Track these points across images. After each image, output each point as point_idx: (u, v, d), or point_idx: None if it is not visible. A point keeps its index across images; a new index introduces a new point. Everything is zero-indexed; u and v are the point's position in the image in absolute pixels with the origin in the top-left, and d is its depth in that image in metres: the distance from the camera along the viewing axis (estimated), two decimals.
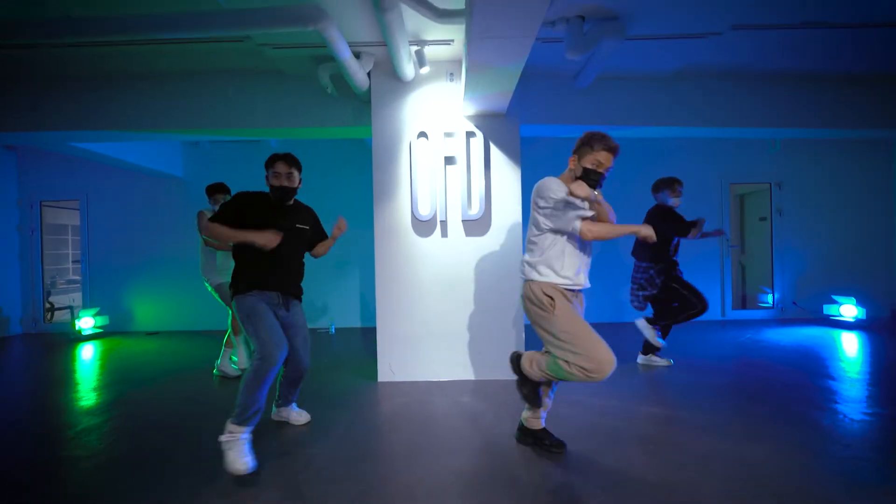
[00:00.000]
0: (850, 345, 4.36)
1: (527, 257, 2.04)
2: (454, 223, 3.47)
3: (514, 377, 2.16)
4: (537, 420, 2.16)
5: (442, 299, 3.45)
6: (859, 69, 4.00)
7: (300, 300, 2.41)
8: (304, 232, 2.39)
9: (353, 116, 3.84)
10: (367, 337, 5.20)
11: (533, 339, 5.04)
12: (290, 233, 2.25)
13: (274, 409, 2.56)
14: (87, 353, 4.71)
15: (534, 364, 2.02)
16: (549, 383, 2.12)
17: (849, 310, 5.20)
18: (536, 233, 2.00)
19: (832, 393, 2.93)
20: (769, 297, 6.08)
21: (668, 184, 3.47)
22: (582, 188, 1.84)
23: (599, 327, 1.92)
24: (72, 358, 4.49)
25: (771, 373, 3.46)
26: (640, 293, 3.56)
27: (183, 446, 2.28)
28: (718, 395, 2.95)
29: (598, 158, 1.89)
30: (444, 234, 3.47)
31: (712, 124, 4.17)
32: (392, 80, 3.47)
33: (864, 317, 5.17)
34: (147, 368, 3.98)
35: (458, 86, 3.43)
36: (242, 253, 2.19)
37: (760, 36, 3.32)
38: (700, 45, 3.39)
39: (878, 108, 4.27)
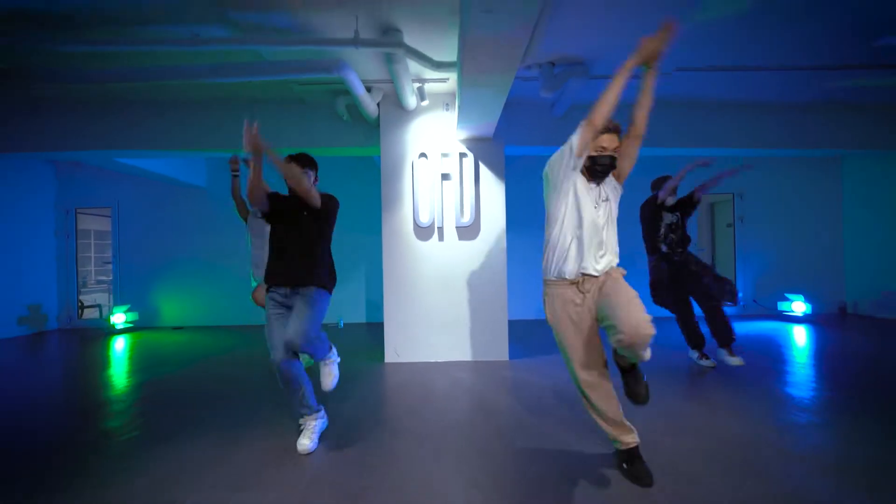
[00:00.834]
0: (799, 336, 5.01)
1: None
2: (449, 229, 4.13)
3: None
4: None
5: (439, 293, 4.10)
6: (803, 99, 4.69)
7: (314, 285, 2.30)
8: (312, 217, 2.36)
9: (364, 138, 4.52)
10: (371, 330, 5.83)
11: (513, 332, 5.67)
12: (297, 226, 2.32)
13: None
14: (120, 345, 5.32)
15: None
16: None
17: (798, 306, 5.88)
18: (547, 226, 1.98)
19: (784, 374, 3.44)
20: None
21: (664, 179, 3.70)
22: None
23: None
24: (107, 349, 5.10)
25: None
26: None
27: (205, 413, 2.79)
28: (693, 374, 3.47)
29: (603, 143, 1.89)
30: (441, 238, 4.13)
31: (673, 145, 4.85)
32: (398, 110, 4.15)
33: (811, 312, 5.85)
34: (174, 357, 4.55)
35: (453, 115, 4.12)
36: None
37: (703, 75, 4.01)
38: None
39: (822, 132, 4.92)
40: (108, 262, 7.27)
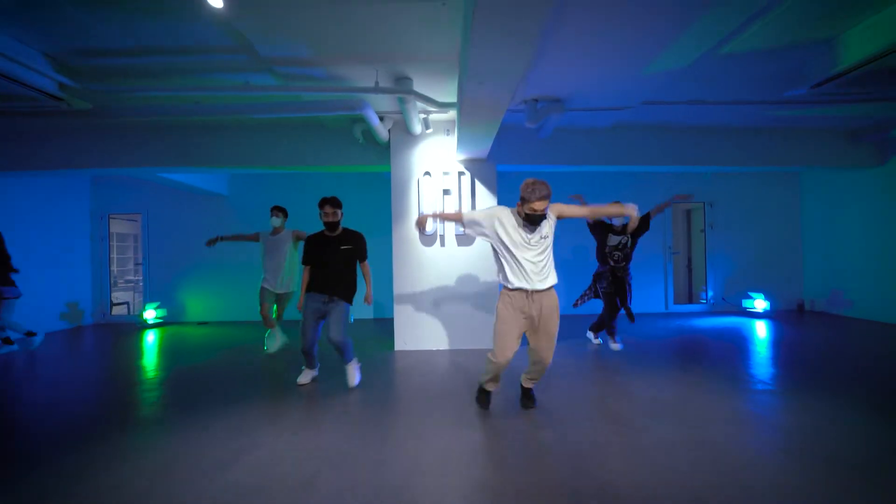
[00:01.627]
0: (760, 330, 5.70)
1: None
2: (449, 237, 4.84)
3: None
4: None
5: (442, 291, 4.81)
6: (755, 125, 5.41)
7: (344, 298, 3.30)
8: (348, 251, 3.34)
9: (376, 158, 5.21)
10: (379, 325, 6.53)
11: None
12: (336, 254, 3.27)
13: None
14: (151, 338, 5.99)
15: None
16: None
17: (759, 303, 6.61)
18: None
19: (746, 362, 4.09)
20: (704, 295, 7.51)
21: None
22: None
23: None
24: (141, 341, 5.78)
25: (703, 347, 4.75)
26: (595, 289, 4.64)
27: (224, 388, 3.48)
28: (669, 360, 4.20)
29: (535, 207, 2.41)
30: (443, 244, 4.83)
31: (646, 163, 5.55)
32: (406, 135, 4.85)
33: (771, 309, 6.59)
34: (200, 348, 5.20)
35: (453, 140, 4.82)
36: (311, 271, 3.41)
37: (666, 107, 4.72)
38: (622, 112, 4.79)
39: (774, 152, 5.66)
40: (139, 263, 7.94)
